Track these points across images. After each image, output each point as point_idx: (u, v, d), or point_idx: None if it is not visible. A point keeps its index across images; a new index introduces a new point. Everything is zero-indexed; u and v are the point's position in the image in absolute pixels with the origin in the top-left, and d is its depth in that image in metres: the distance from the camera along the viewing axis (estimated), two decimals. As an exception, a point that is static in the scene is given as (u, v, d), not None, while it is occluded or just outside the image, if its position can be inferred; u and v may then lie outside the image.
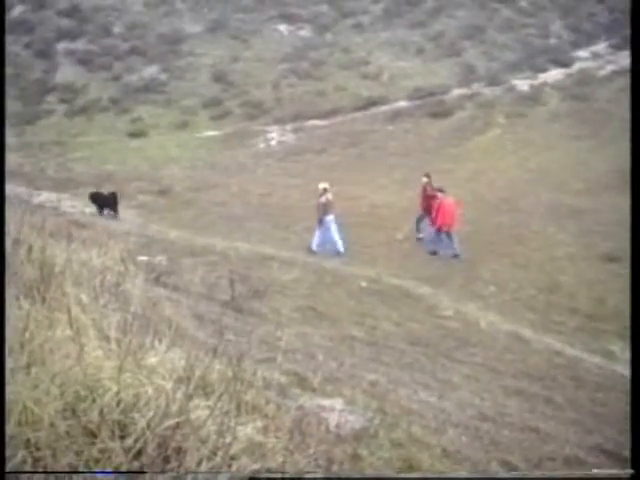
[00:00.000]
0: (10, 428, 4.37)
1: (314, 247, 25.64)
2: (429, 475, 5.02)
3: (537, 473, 6.14)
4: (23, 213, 8.88)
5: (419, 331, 16.59)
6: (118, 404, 4.77)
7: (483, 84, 53.47)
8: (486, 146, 42.38)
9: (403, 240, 25.99)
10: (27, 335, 5.09)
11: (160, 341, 6.23)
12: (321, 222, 25.96)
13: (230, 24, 63.55)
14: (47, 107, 54.97)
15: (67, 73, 59.41)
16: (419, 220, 26.87)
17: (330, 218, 26.00)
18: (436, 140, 44.76)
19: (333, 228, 26.01)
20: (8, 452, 4.29)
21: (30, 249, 7.05)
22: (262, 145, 46.98)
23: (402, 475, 4.92)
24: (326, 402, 9.11)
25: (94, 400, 4.78)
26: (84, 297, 6.68)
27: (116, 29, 64.74)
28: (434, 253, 25.88)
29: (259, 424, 5.38)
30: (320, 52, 60.16)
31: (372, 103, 51.66)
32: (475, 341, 16.55)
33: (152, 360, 5.60)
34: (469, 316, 18.62)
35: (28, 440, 4.36)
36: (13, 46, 63.18)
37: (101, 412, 4.69)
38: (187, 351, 6.26)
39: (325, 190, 26.30)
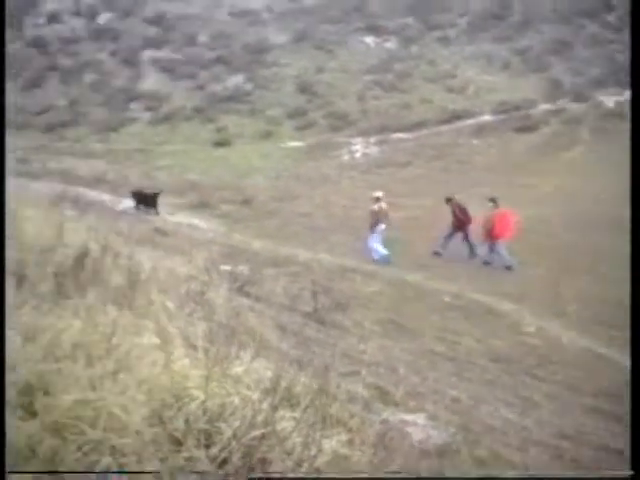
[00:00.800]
0: (96, 434, 4.40)
1: (386, 253, 25.29)
2: (429, 475, 4.95)
3: (537, 473, 6.05)
4: (110, 220, 8.98)
5: (501, 348, 16.40)
6: (204, 413, 4.79)
7: (568, 100, 52.97)
8: (570, 162, 41.91)
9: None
10: (114, 341, 5.14)
11: (244, 351, 6.23)
12: (373, 230, 25.60)
13: (316, 35, 63.81)
14: (131, 115, 55.70)
15: (152, 81, 60.19)
16: (448, 237, 26.27)
17: (382, 227, 25.70)
18: (520, 155, 44.38)
19: (380, 237, 25.68)
20: (93, 457, 4.33)
21: (117, 256, 7.13)
22: (346, 157, 47.03)
23: (402, 475, 4.85)
24: (409, 417, 9.07)
25: (180, 408, 4.81)
26: (170, 305, 6.74)
27: (201, 38, 65.39)
28: (487, 263, 25.50)
29: (344, 437, 5.36)
30: (406, 64, 60.11)
31: (457, 116, 51.46)
32: (556, 359, 16.29)
33: (238, 370, 5.61)
34: (551, 333, 18.35)
35: (114, 446, 4.39)
36: (99, 53, 64.26)
37: (187, 420, 4.71)
38: (273, 362, 6.28)
39: (378, 199, 26.02)
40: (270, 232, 27.90)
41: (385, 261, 24.95)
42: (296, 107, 54.06)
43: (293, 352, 9.70)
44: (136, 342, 5.29)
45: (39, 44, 66.77)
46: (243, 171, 41.80)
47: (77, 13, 70.80)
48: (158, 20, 68.04)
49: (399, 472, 4.87)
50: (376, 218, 25.64)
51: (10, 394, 4.55)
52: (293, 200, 34.97)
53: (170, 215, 30.31)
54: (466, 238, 26.11)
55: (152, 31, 66.67)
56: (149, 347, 5.30)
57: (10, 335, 4.97)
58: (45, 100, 58.71)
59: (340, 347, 12.37)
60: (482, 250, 25.76)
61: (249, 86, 57.85)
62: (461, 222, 26.12)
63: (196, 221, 29.64)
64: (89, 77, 61.36)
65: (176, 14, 68.33)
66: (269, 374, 5.85)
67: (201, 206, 32.76)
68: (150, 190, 31.52)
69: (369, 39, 65.03)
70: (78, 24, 69.47)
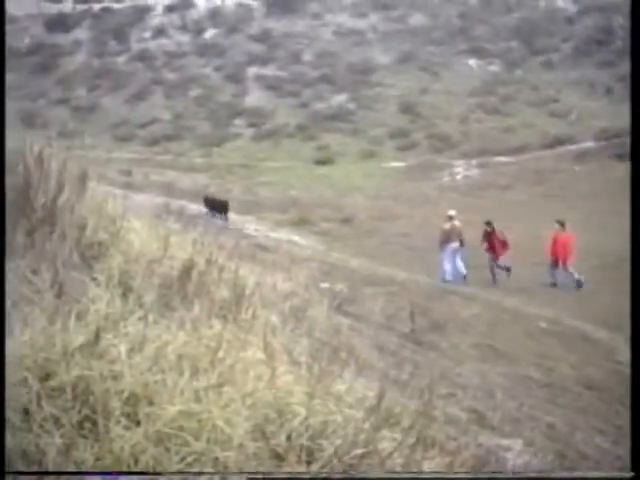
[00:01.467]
0: (199, 445, 4.43)
1: (447, 277, 25.36)
2: (429, 475, 4.86)
3: (537, 474, 5.93)
4: (215, 234, 9.04)
5: (595, 375, 16.18)
6: (307, 429, 4.79)
7: (671, 127, 51.96)
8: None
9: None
10: (219, 355, 5.17)
11: (346, 369, 6.23)
12: (443, 248, 25.67)
13: (420, 56, 63.82)
14: (235, 130, 56.29)
15: (256, 98, 60.75)
16: (494, 266, 25.84)
17: (454, 246, 25.75)
18: (621, 182, 43.68)
19: (452, 256, 25.83)
20: (195, 468, 4.36)
21: (222, 270, 7.18)
22: (447, 179, 46.87)
23: (402, 475, 4.76)
24: (505, 442, 8.98)
25: (282, 424, 4.82)
26: (274, 320, 6.77)
27: (306, 56, 65.83)
28: (554, 285, 25.58)
29: (445, 460, 5.32)
30: (509, 88, 59.75)
31: (559, 142, 50.91)
32: (652, 389, 16.02)
33: (340, 388, 5.61)
34: (646, 363, 18.05)
35: (216, 459, 4.41)
36: (204, 68, 65.11)
37: (289, 436, 4.72)
38: (372, 381, 6.27)
39: (451, 217, 26.24)
40: (369, 251, 27.90)
41: (459, 280, 25.16)
42: (399, 127, 54.05)
43: (391, 372, 9.67)
44: (241, 356, 5.31)
45: (145, 58, 67.89)
46: (344, 189, 41.89)
47: (183, 28, 71.85)
48: (264, 37, 68.67)
49: (399, 472, 4.81)
50: (447, 237, 25.83)
51: (114, 403, 4.61)
52: (392, 220, 34.93)
53: (271, 231, 30.51)
54: (494, 261, 25.73)
55: (257, 48, 67.32)
56: (253, 362, 5.32)
57: (116, 344, 5.03)
58: (149, 113, 59.69)
59: (437, 369, 12.33)
60: (548, 273, 25.82)
61: (352, 105, 58.02)
62: (494, 247, 25.60)
63: (296, 238, 29.78)
64: (194, 92, 62.20)
65: (282, 32, 68.95)
66: (370, 393, 5.84)
67: (301, 223, 32.91)
68: (221, 198, 31.98)
69: (473, 62, 64.83)
70: (184, 39, 70.52)
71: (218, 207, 30.83)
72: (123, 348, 4.93)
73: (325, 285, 16.67)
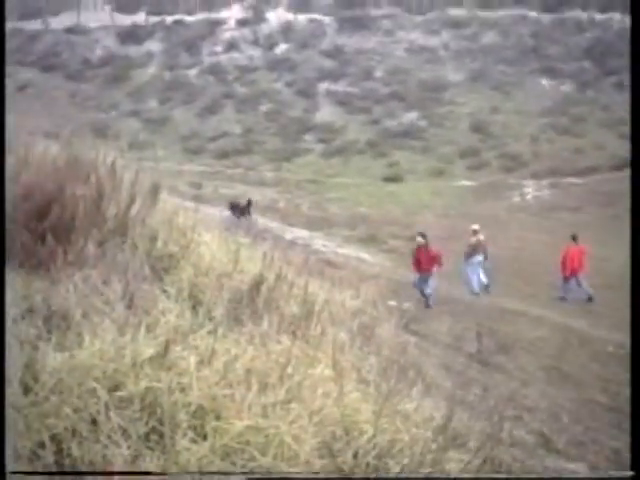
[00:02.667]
0: (266, 461, 4.43)
1: (477, 289, 25.88)
2: (429, 475, 4.77)
3: (537, 474, 5.82)
4: (284, 248, 9.05)
5: (662, 401, 15.96)
6: (374, 448, 4.77)
7: None
8: None
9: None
10: (288, 370, 5.17)
11: (413, 388, 6.20)
12: (468, 261, 26.45)
13: (492, 75, 63.56)
14: (305, 145, 56.42)
15: (327, 113, 60.85)
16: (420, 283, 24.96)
17: (479, 259, 26.46)
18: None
19: (476, 269, 26.45)
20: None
21: (291, 285, 7.18)
22: (517, 199, 46.55)
23: (402, 475, 4.68)
24: (570, 466, 8.89)
25: (349, 442, 4.80)
26: (343, 338, 6.75)
27: (377, 73, 65.86)
28: (563, 299, 25.79)
29: (512, 483, 5.27)
30: (580, 108, 59.24)
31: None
32: None
33: (408, 407, 5.58)
34: None
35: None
36: (275, 83, 65.39)
37: (356, 454, 4.70)
38: (439, 401, 6.23)
39: (475, 232, 26.94)
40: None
41: (483, 290, 25.78)
42: (469, 146, 53.85)
43: (457, 392, 9.62)
44: (309, 373, 5.31)
45: (216, 71, 68.35)
46: (412, 207, 41.79)
47: (255, 43, 72.27)
48: (335, 53, 68.81)
49: (400, 473, 4.75)
50: (473, 250, 26.60)
51: (182, 416, 4.62)
52: (460, 239, 34.69)
53: (339, 247, 30.51)
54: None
55: (329, 64, 67.48)
56: (322, 379, 5.31)
57: (185, 357, 5.05)
58: (220, 127, 60.05)
59: (503, 390, 12.25)
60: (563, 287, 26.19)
61: (423, 123, 57.92)
62: (419, 262, 24.54)
63: (364, 254, 29.75)
64: (265, 106, 62.49)
65: (353, 48, 69.07)
66: (437, 413, 5.81)
67: (370, 240, 32.89)
68: (244, 201, 32.10)
69: (545, 81, 64.40)
70: (255, 53, 70.91)
71: (242, 210, 30.89)
72: (192, 361, 4.95)
73: (392, 303, 16.60)
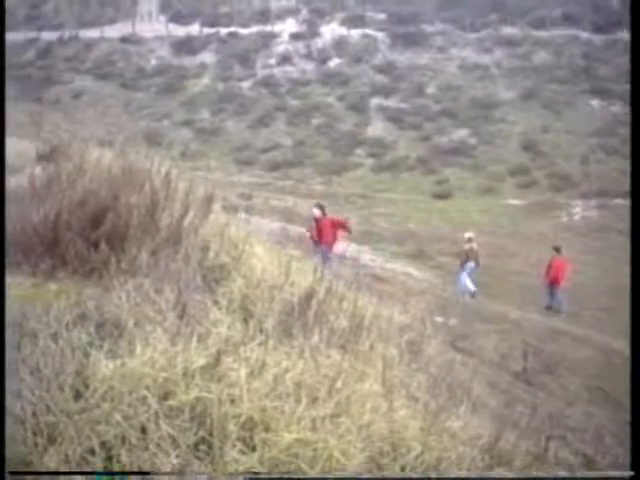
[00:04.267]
0: (314, 474, 4.42)
1: (473, 289, 27.15)
2: (429, 475, 4.70)
3: (537, 473, 5.73)
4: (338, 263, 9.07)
5: None
6: (421, 464, 4.74)
7: None
8: None
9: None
10: (338, 385, 5.16)
11: (460, 406, 6.17)
12: (463, 267, 27.68)
13: (543, 94, 63.13)
14: (355, 160, 56.30)
15: (378, 128, 60.71)
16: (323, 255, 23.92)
17: (471, 265, 27.61)
18: None
19: (470, 274, 27.55)
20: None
21: (341, 299, 7.16)
22: (565, 219, 46.24)
23: (402, 475, 4.62)
24: (613, 487, 8.81)
25: (396, 458, 4.78)
26: (392, 354, 6.73)
27: (429, 89, 65.63)
28: (549, 308, 26.44)
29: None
30: (629, 130, 58.74)
31: (679, 186, 49.79)
32: None
33: (455, 425, 5.55)
34: None
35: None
36: (327, 97, 65.38)
37: (403, 470, 4.68)
38: (485, 419, 6.20)
39: (470, 239, 28.32)
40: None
41: (470, 296, 26.61)
42: (519, 165, 53.51)
43: (502, 411, 9.57)
44: (358, 387, 5.29)
45: (269, 84, 68.54)
46: (461, 224, 41.47)
47: (308, 56, 72.34)
48: (388, 69, 68.72)
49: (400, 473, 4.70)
50: (466, 257, 27.80)
51: (231, 427, 4.62)
52: (508, 257, 34.59)
53: (387, 262, 30.46)
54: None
55: (381, 79, 67.38)
56: (370, 394, 5.29)
57: (235, 369, 5.05)
58: (271, 139, 60.09)
59: (547, 410, 12.17)
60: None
61: (473, 140, 57.62)
62: (320, 232, 23.61)
63: (412, 270, 29.68)
64: (316, 120, 62.44)
65: (406, 64, 68.94)
66: (483, 431, 5.78)
67: (418, 256, 32.80)
68: None
69: (595, 102, 63.90)
70: (308, 67, 70.95)
71: None
72: (243, 372, 4.96)
73: (439, 319, 16.56)
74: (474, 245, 28.17)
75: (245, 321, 6.09)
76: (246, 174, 52.59)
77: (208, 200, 8.19)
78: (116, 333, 5.42)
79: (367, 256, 31.09)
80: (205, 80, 69.83)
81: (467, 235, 28.77)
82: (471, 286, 27.17)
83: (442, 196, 49.21)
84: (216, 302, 6.32)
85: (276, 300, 6.62)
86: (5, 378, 4.81)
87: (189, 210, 7.51)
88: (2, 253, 5.95)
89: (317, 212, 23.75)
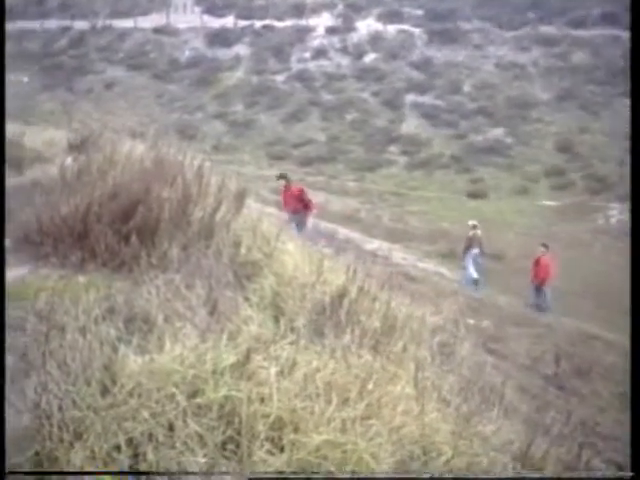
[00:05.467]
0: (343, 477, 4.39)
1: (475, 275, 27.80)
2: (429, 475, 4.65)
3: (537, 473, 5.66)
4: (362, 261, 9.00)
5: None
6: (451, 470, 4.70)
7: None
8: None
9: None
10: (369, 386, 5.12)
11: (491, 411, 6.12)
12: (465, 254, 28.24)
13: (581, 94, 62.75)
14: (389, 157, 56.15)
15: (412, 125, 60.53)
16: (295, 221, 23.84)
17: (475, 252, 28.13)
18: None
19: (474, 260, 28.13)
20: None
21: (374, 299, 7.12)
22: (601, 221, 45.94)
23: (402, 475, 4.56)
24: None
25: (427, 462, 4.74)
26: (424, 355, 6.68)
27: (465, 87, 65.37)
28: (535, 306, 26.30)
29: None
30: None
31: None
32: None
33: (486, 429, 5.50)
34: None
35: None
36: (362, 92, 65.28)
37: (432, 475, 4.64)
38: (516, 424, 6.17)
39: (474, 227, 28.92)
40: (516, 289, 27.53)
41: (473, 284, 27.22)
42: (554, 166, 53.19)
43: (533, 416, 9.52)
44: (389, 389, 5.25)
45: (303, 78, 68.45)
46: (495, 225, 41.34)
47: (343, 51, 72.18)
48: (424, 65, 68.50)
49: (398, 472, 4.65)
50: (470, 243, 28.32)
51: (260, 426, 4.60)
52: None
53: (419, 261, 30.38)
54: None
55: (417, 76, 67.21)
56: (402, 396, 5.25)
57: (266, 367, 5.03)
58: (305, 134, 60.05)
59: (579, 416, 12.09)
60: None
61: (509, 140, 57.36)
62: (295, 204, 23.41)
63: (444, 270, 29.60)
64: (350, 115, 62.32)
65: (442, 61, 68.70)
66: (515, 437, 5.74)
67: (450, 255, 32.66)
68: None
69: (632, 103, 63.52)
70: (344, 62, 70.80)
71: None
72: (273, 371, 4.93)
73: (471, 321, 16.51)
74: (478, 232, 28.81)
75: (276, 319, 6.07)
76: (278, 168, 52.59)
77: (240, 195, 8.18)
78: (145, 328, 5.40)
79: (399, 254, 31.03)
80: (239, 73, 69.83)
81: (471, 222, 29.49)
82: (474, 273, 27.79)
83: (476, 195, 49.00)
84: (247, 299, 6.30)
85: (307, 298, 6.59)
86: (5, 378, 4.82)
87: (221, 205, 7.49)
88: (2, 254, 5.96)
89: (283, 182, 24.03)
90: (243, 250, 7.11)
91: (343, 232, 30.97)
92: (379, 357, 5.85)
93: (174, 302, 5.73)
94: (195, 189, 7.59)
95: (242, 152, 54.50)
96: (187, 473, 4.37)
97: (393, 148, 57.35)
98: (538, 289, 26.86)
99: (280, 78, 68.42)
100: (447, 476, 4.81)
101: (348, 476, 4.54)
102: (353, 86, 66.77)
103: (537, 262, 27.17)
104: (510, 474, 4.99)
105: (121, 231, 6.83)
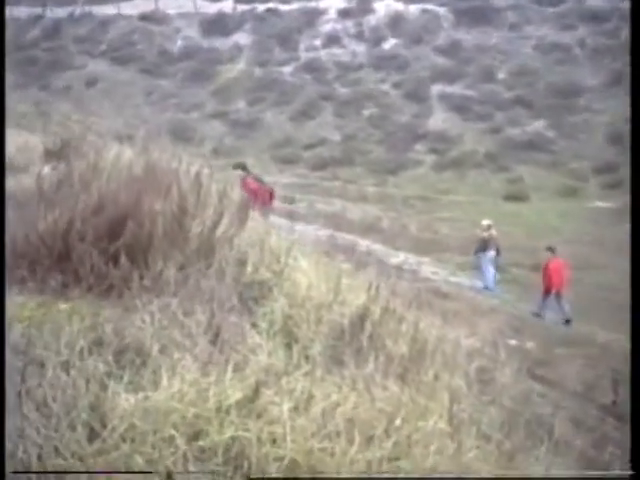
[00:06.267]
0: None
1: (491, 285, 28.83)
2: (429, 475, 4.63)
3: (537, 473, 5.64)
4: (386, 276, 8.99)
5: None
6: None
7: None
8: None
9: None
10: (397, 422, 5.11)
11: (539, 447, 6.11)
12: (479, 257, 29.51)
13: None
14: (414, 156, 56.20)
15: (440, 120, 60.58)
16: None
17: (490, 254, 29.27)
18: None
19: (490, 264, 29.33)
20: None
21: (400, 321, 7.12)
22: (664, 224, 45.84)
23: (402, 475, 4.54)
24: None
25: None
26: (459, 384, 6.67)
27: (500, 74, 65.33)
28: (538, 315, 26.55)
29: None
30: None
31: None
32: None
33: (533, 469, 5.50)
34: None
35: None
36: (381, 84, 65.24)
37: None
38: (571, 462, 6.17)
39: (489, 227, 30.00)
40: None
41: (490, 288, 28.41)
42: (605, 161, 53.09)
43: (590, 453, 9.50)
44: (420, 425, 5.24)
45: (314, 69, 68.43)
46: (538, 231, 41.29)
47: (359, 36, 72.17)
48: (452, 50, 68.45)
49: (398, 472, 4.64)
50: (484, 245, 29.51)
51: (272, 470, 4.60)
52: (595, 269, 34.29)
53: (452, 275, 30.39)
54: None
55: (444, 62, 67.19)
56: (435, 433, 5.24)
57: (277, 403, 5.03)
58: (317, 133, 60.17)
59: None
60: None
61: (552, 133, 57.34)
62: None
63: (481, 284, 29.57)
64: (368, 110, 62.41)
65: (473, 44, 68.66)
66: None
67: (487, 268, 32.71)
68: None
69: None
70: (359, 49, 70.83)
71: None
72: (286, 407, 4.93)
73: (514, 342, 16.50)
74: (493, 232, 29.84)
75: (288, 347, 6.06)
76: (288, 174, 52.60)
77: (245, 205, 8.18)
78: (138, 361, 5.40)
79: (428, 268, 31.00)
80: (240, 65, 70.02)
81: (485, 222, 30.43)
82: (491, 278, 29.13)
83: (515, 198, 48.97)
84: (255, 325, 6.29)
85: (324, 322, 6.57)
86: (5, 378, 4.82)
87: (223, 217, 7.48)
88: (2, 254, 5.99)
89: (240, 172, 23.82)
90: (249, 269, 7.10)
91: (363, 244, 30.94)
92: (407, 388, 5.84)
93: (171, 330, 5.73)
94: (193, 200, 7.58)
95: (246, 156, 54.58)
96: (188, 472, 4.39)
97: (419, 147, 57.41)
98: (553, 299, 27.28)
99: (287, 70, 68.57)
100: (448, 476, 4.82)
101: (350, 476, 4.55)
102: (371, 77, 66.82)
103: (546, 268, 27.68)
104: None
105: (108, 250, 6.82)
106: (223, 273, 6.80)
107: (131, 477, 4.41)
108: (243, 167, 24.22)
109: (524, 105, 60.79)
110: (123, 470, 4.39)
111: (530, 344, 18.77)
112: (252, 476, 4.48)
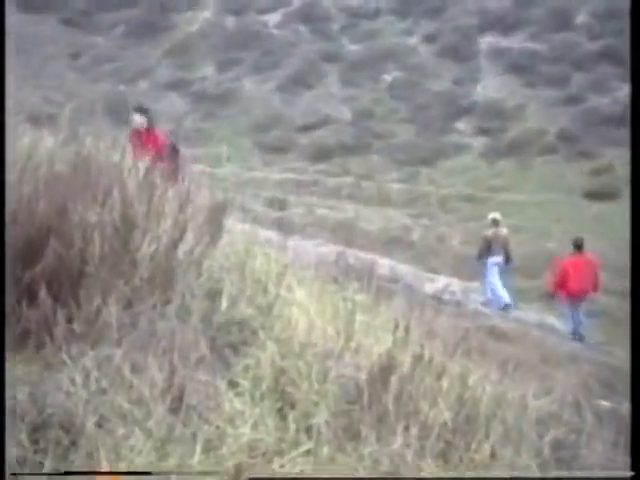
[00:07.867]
0: None
1: (507, 301, 28.50)
2: (428, 475, 4.69)
3: (537, 473, 5.64)
4: (423, 309, 9.00)
5: None
6: None
7: None
8: None
9: None
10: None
11: None
12: (482, 261, 28.98)
13: None
14: (456, 140, 55.88)
15: (491, 86, 60.37)
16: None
17: (497, 260, 28.73)
18: None
19: (494, 272, 28.70)
20: None
21: (440, 374, 7.10)
22: None
23: (402, 475, 4.59)
24: None
25: None
26: (527, 464, 6.67)
27: (580, 17, 64.95)
28: (577, 338, 27.21)
29: None
30: None
31: None
32: None
33: None
34: None
35: None
36: (406, 37, 64.92)
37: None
38: None
39: (495, 222, 28.96)
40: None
41: (499, 307, 28.22)
42: None
43: None
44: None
45: (311, 18, 68.24)
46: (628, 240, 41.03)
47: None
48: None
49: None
50: (487, 246, 28.79)
51: None
52: None
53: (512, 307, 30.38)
54: None
55: (495, 5, 66.90)
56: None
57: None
58: (316, 107, 59.78)
59: None
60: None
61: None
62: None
63: (553, 320, 29.55)
64: (390, 75, 62.20)
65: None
66: None
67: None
68: None
69: None
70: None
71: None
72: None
73: (605, 403, 16.50)
74: (502, 230, 29.11)
75: (282, 414, 6.06)
76: (277, 167, 52.48)
77: (217, 212, 8.12)
78: (66, 441, 5.38)
79: (479, 298, 31.01)
80: (206, 13, 69.84)
81: (491, 216, 29.52)
82: (505, 295, 28.40)
83: (601, 195, 48.66)
84: (233, 384, 6.28)
85: (331, 378, 6.56)
86: (5, 377, 4.84)
87: (186, 231, 7.45)
88: (2, 255, 6.03)
89: (138, 119, 22.54)
90: (224, 304, 7.08)
91: (386, 264, 30.95)
92: (453, 471, 5.84)
93: (113, 395, 5.72)
94: (142, 207, 7.53)
95: (217, 142, 54.21)
96: (187, 473, 4.40)
97: (462, 125, 57.17)
98: (572, 307, 27.73)
99: (274, 19, 68.35)
100: (447, 476, 4.87)
101: (350, 476, 4.57)
102: (393, 27, 66.59)
103: (560, 266, 27.85)
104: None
105: (21, 280, 6.79)
106: (188, 311, 6.78)
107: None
108: (143, 110, 22.57)
109: (614, 62, 60.38)
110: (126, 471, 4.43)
111: (627, 405, 18.76)
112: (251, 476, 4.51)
